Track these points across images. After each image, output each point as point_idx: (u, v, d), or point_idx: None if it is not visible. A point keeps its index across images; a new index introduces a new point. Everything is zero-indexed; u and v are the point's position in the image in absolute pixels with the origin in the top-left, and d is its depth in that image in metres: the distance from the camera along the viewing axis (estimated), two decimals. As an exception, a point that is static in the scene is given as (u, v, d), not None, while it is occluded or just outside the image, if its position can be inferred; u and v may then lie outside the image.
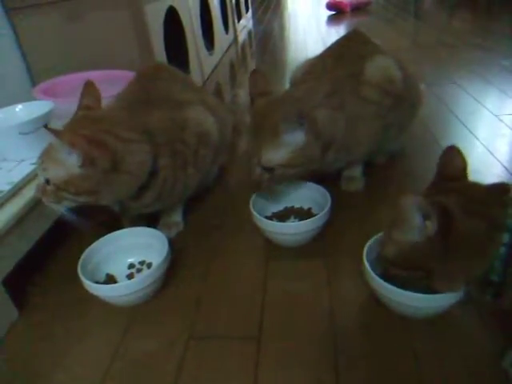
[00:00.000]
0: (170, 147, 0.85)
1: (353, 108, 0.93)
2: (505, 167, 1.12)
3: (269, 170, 0.85)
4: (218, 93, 2.01)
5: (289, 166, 0.85)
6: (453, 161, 0.67)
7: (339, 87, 0.93)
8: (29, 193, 0.84)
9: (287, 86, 1.06)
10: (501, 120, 1.39)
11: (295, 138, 0.83)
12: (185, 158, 0.88)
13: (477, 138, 1.28)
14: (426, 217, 0.58)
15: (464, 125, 1.38)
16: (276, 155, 0.84)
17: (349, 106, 0.92)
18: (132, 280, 0.75)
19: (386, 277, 0.69)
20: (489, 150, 1.21)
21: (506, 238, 0.56)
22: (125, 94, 0.95)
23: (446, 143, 1.30)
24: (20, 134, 0.91)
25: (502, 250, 0.56)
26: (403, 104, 1.02)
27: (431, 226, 0.58)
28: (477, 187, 0.63)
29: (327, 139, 0.89)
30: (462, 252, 0.58)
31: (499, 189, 0.61)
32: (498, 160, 1.15)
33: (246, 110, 1.51)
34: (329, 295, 0.78)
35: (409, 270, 0.64)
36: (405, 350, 0.67)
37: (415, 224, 0.59)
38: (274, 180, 0.87)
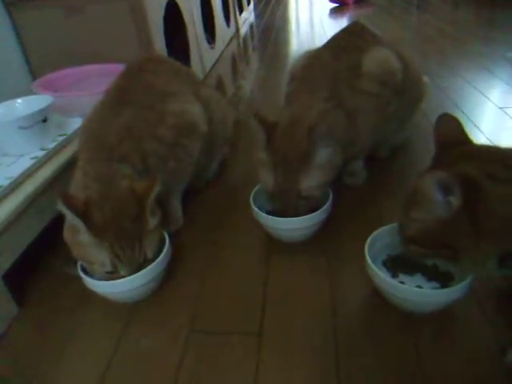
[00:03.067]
0: (138, 150, 0.84)
1: (352, 102, 0.92)
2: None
3: (307, 197, 0.84)
4: (220, 86, 2.00)
5: (325, 183, 0.86)
6: (450, 126, 0.63)
7: (337, 84, 0.92)
8: (28, 188, 0.84)
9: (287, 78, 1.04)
10: (505, 113, 1.38)
11: (325, 154, 0.84)
12: (160, 156, 0.87)
13: (481, 132, 1.27)
14: (448, 192, 0.53)
15: (468, 118, 1.36)
16: (314, 180, 0.83)
17: (348, 100, 0.91)
18: (132, 276, 0.74)
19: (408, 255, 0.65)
20: (493, 143, 1.19)
21: None
22: (108, 91, 0.95)
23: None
24: (19, 128, 0.91)
25: None
26: (404, 96, 1.01)
27: (455, 200, 0.53)
28: (498, 150, 0.57)
29: (342, 140, 0.89)
30: (493, 224, 0.53)
31: None
32: (503, 153, 1.14)
33: (249, 104, 1.51)
34: (330, 290, 0.78)
35: (434, 249, 0.59)
36: (407, 346, 0.66)
37: (436, 201, 0.54)
38: (311, 205, 0.86)
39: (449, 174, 0.52)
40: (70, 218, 0.70)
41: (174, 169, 0.91)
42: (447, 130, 0.63)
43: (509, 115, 1.36)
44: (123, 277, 0.74)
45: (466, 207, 0.53)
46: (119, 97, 0.91)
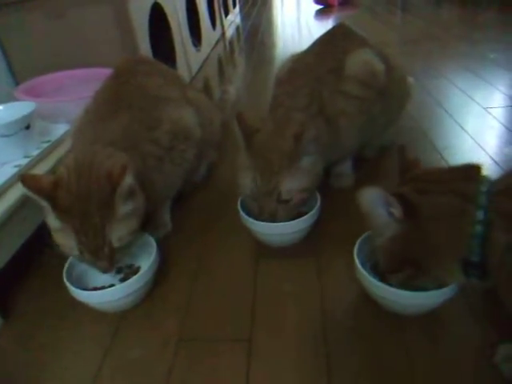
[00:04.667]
0: (137, 151, 0.83)
1: (334, 106, 0.92)
2: (494, 160, 1.12)
3: (286, 201, 0.83)
4: (206, 89, 1.99)
5: (306, 189, 0.85)
6: (403, 156, 0.69)
7: (318, 90, 0.92)
8: (12, 197, 0.82)
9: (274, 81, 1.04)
10: (489, 112, 1.39)
11: (308, 161, 0.84)
12: (158, 158, 0.87)
13: (466, 132, 1.28)
14: (386, 204, 0.59)
15: (453, 118, 1.38)
16: (295, 183, 0.82)
17: (329, 104, 0.92)
18: (120, 286, 0.73)
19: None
20: (478, 143, 1.21)
21: (480, 215, 0.55)
22: (99, 94, 0.93)
23: (435, 136, 1.30)
24: (1, 136, 0.89)
25: (478, 228, 0.54)
26: (388, 97, 1.01)
27: (396, 210, 0.59)
28: (435, 170, 0.64)
29: (322, 147, 0.89)
30: (436, 231, 0.58)
31: (468, 168, 0.60)
32: (487, 153, 1.15)
33: (235, 108, 1.50)
34: (320, 294, 0.78)
35: (401, 271, 0.63)
36: (397, 348, 0.66)
37: (381, 214, 0.60)
38: (291, 211, 0.85)
39: (378, 188, 0.59)
40: (36, 199, 0.68)
41: (169, 173, 0.91)
42: (402, 160, 0.69)
43: (492, 115, 1.38)
44: (100, 265, 0.73)
45: (409, 220, 0.58)
46: (114, 99, 0.90)
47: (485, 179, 0.58)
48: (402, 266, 0.63)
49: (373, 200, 0.60)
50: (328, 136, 0.92)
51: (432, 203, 0.58)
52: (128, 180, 0.70)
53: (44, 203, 0.69)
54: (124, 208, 0.72)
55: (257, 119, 0.90)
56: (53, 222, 0.71)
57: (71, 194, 0.70)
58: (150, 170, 0.85)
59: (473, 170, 0.59)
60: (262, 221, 0.85)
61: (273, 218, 0.84)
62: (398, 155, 0.69)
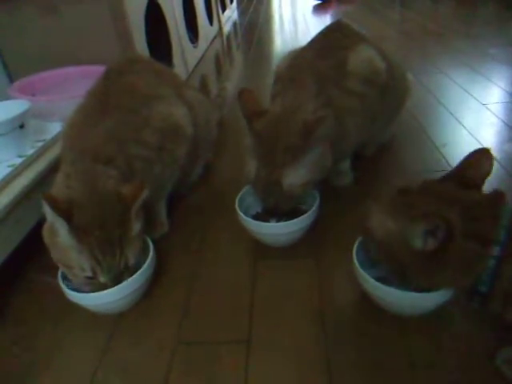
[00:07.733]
0: (123, 154, 0.82)
1: (339, 101, 0.91)
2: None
3: (288, 193, 0.82)
4: (204, 86, 1.97)
5: (310, 183, 0.83)
6: (479, 165, 0.63)
7: (323, 83, 0.90)
8: (5, 197, 0.81)
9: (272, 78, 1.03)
10: (488, 109, 1.38)
11: (316, 154, 0.82)
12: (146, 159, 0.86)
13: (464, 128, 1.27)
14: (430, 233, 0.57)
15: (452, 114, 1.37)
16: (298, 178, 0.81)
17: (336, 100, 0.90)
18: (115, 287, 0.72)
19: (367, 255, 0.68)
20: (477, 140, 1.20)
21: (496, 250, 0.55)
22: (89, 94, 0.92)
23: (434, 133, 1.30)
24: (-5, 135, 0.88)
25: (492, 262, 0.55)
26: (389, 94, 1.00)
27: (431, 244, 0.57)
28: (479, 200, 0.60)
29: (332, 139, 0.87)
30: (449, 267, 0.58)
31: (494, 199, 0.59)
32: (487, 150, 1.14)
33: (234, 104, 1.49)
34: (319, 295, 0.77)
35: (388, 260, 0.63)
36: (397, 348, 0.65)
37: (417, 236, 0.58)
38: (292, 202, 0.83)
39: (443, 223, 0.54)
40: (52, 218, 0.68)
41: (159, 173, 0.90)
42: (475, 168, 0.63)
43: (491, 111, 1.37)
44: (103, 283, 0.72)
45: (437, 250, 0.57)
46: (102, 100, 0.88)
47: (507, 211, 0.57)
48: (393, 259, 0.63)
49: (426, 228, 0.56)
50: (334, 131, 0.91)
51: (461, 248, 0.56)
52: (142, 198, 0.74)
53: (60, 221, 0.68)
54: (136, 226, 0.75)
55: (262, 101, 0.88)
56: (65, 240, 0.69)
57: (87, 211, 0.71)
58: (137, 172, 0.83)
59: (499, 201, 0.58)
60: (261, 220, 0.84)
61: (274, 208, 0.83)
62: (469, 160, 0.64)
